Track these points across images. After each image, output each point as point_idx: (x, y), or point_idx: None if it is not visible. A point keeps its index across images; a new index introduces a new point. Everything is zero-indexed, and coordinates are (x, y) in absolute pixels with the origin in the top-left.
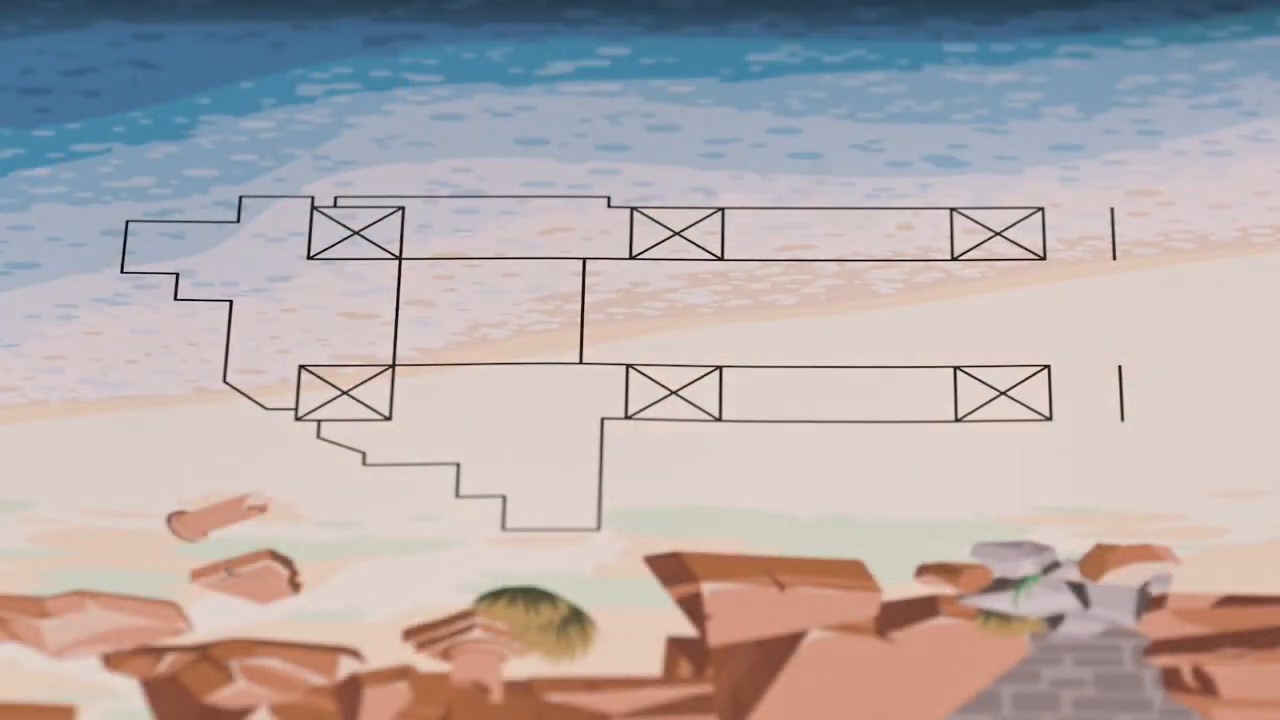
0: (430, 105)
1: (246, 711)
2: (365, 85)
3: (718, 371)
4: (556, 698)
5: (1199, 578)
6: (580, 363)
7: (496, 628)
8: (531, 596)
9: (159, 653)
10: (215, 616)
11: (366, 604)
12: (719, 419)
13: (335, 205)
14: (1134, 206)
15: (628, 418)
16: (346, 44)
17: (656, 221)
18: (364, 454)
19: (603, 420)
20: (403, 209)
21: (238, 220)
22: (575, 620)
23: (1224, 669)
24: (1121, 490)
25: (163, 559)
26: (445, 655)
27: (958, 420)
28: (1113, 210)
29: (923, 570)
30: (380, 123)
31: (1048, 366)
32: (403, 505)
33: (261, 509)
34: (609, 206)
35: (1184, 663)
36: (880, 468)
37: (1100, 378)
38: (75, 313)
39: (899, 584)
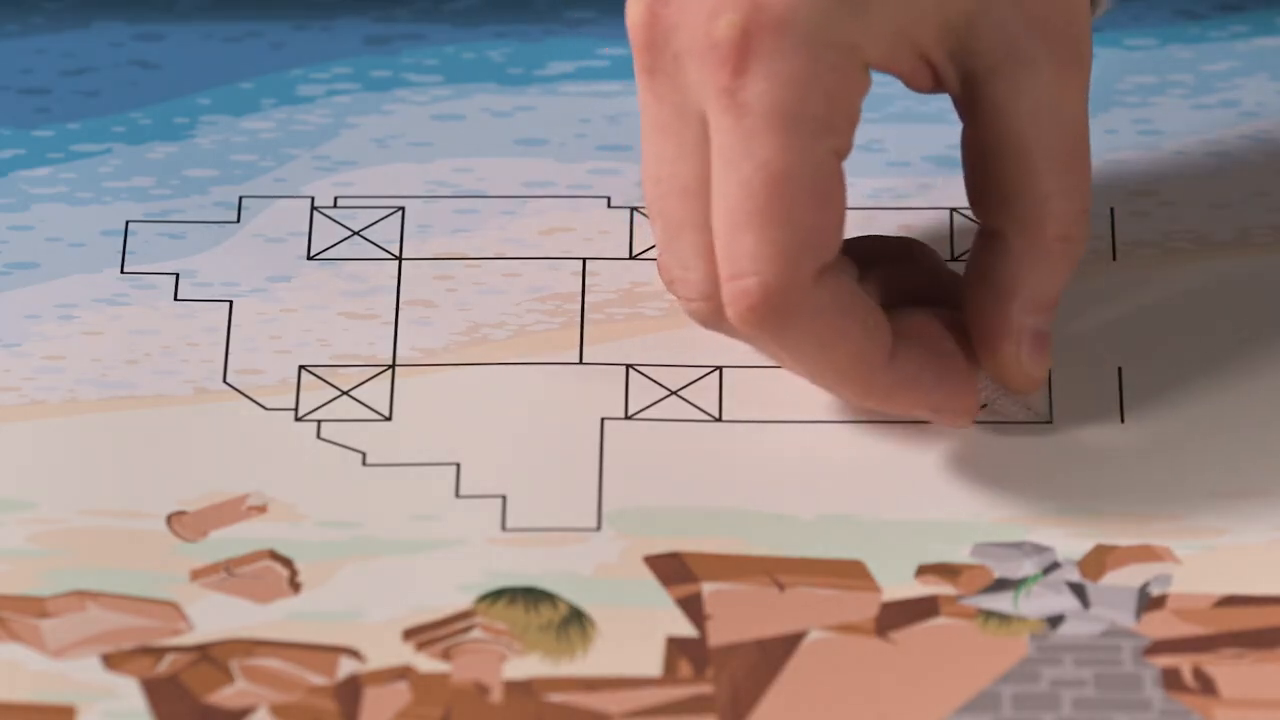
0: (430, 105)
1: (246, 711)
2: (365, 85)
3: (718, 371)
4: (556, 698)
5: (1199, 578)
6: (580, 363)
7: (496, 628)
8: (531, 596)
9: (159, 653)
10: (215, 616)
11: (366, 604)
12: (719, 419)
13: (335, 205)
14: (1134, 206)
15: (628, 418)
16: (346, 44)
17: None
18: (364, 454)
19: (603, 420)
20: (403, 209)
21: (238, 220)
22: (575, 620)
23: (1224, 669)
24: (1121, 490)
25: (163, 559)
26: (445, 655)
27: None
28: (1113, 210)
29: (923, 570)
30: (380, 123)
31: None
32: (403, 505)
33: (261, 509)
34: (609, 206)
35: (1184, 663)
36: (880, 468)
37: (1100, 378)
38: (75, 313)
39: (899, 584)
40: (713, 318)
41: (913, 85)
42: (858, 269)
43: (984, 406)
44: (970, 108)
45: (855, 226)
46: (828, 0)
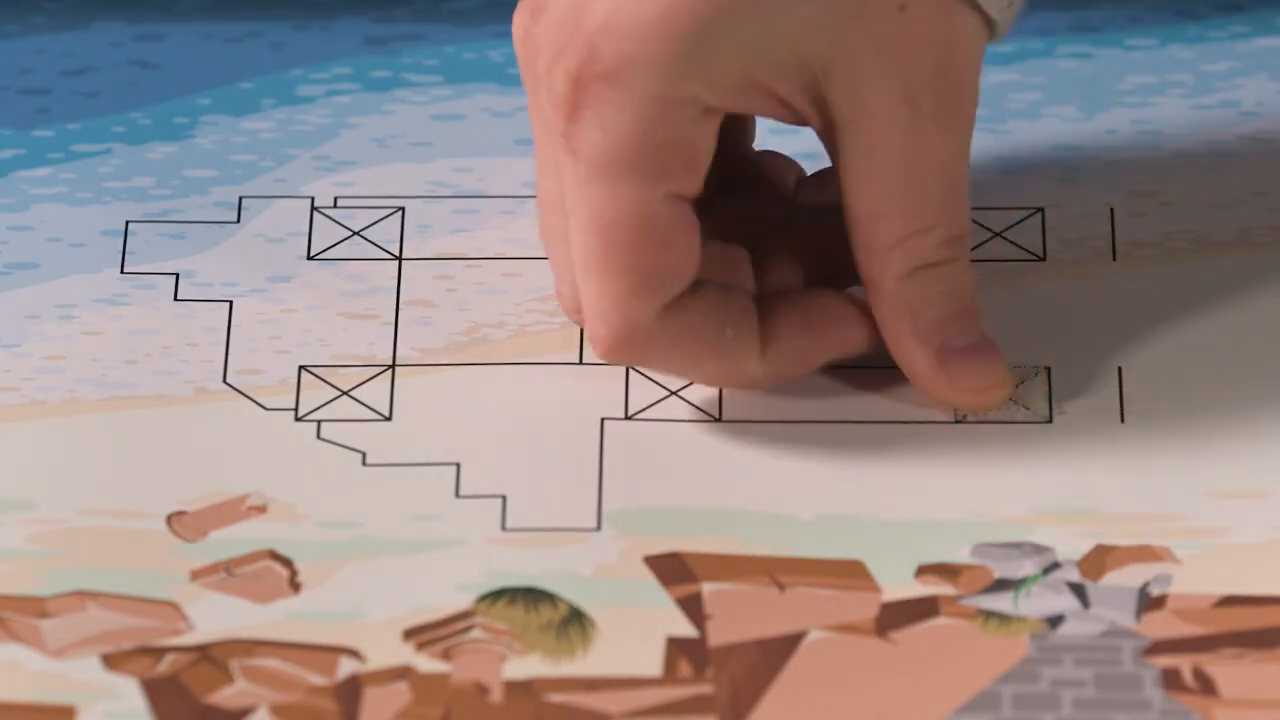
0: (430, 105)
1: (246, 711)
2: (365, 85)
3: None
4: (556, 698)
5: (1199, 578)
6: (580, 363)
7: (496, 628)
8: (531, 596)
9: (159, 653)
10: (215, 616)
11: (366, 604)
12: (719, 419)
13: (335, 205)
14: (1134, 206)
15: (628, 418)
16: (346, 44)
17: None
18: (364, 454)
19: (603, 420)
20: (403, 209)
21: (238, 220)
22: (575, 620)
23: (1224, 669)
24: (1121, 490)
25: (163, 559)
26: (445, 655)
27: (958, 420)
28: (1113, 210)
29: (923, 570)
30: (380, 123)
31: (1048, 367)
32: (403, 505)
33: (261, 509)
34: None
35: (1184, 663)
36: (880, 468)
37: (1100, 378)
38: (75, 313)
39: (899, 584)
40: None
41: (778, 119)
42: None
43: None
44: (829, 149)
45: None
46: (663, 53)
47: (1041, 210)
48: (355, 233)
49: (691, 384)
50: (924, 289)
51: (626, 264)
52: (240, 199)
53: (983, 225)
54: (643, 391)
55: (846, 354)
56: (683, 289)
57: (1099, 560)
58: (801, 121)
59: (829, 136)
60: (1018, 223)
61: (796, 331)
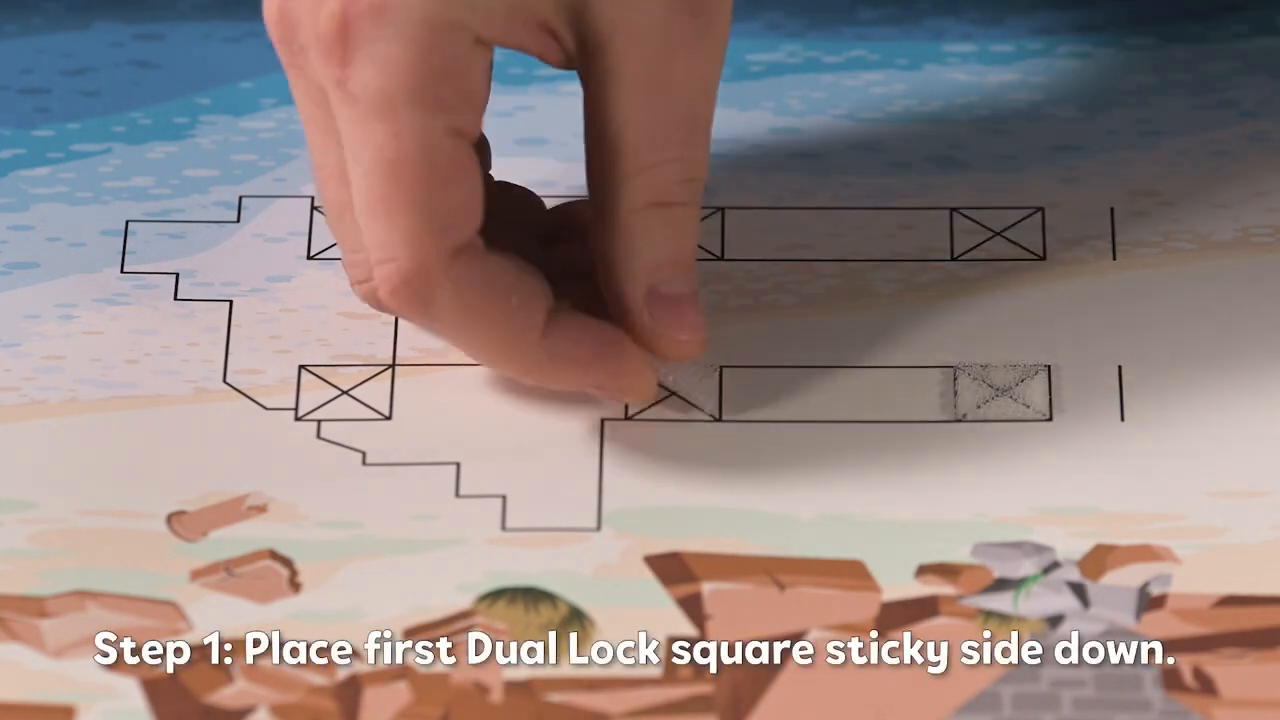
0: None
1: (246, 711)
2: None
3: (718, 371)
4: (556, 698)
5: (1199, 578)
6: None
7: (496, 628)
8: (531, 596)
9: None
10: (215, 616)
11: (366, 604)
12: (719, 419)
13: None
14: (1134, 206)
15: (628, 418)
16: None
17: None
18: (364, 454)
19: (603, 420)
20: None
21: (238, 220)
22: (575, 620)
23: (1224, 669)
24: (1121, 490)
25: (163, 559)
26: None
27: (958, 420)
28: (1113, 210)
29: (923, 570)
30: None
31: (1048, 366)
32: (403, 505)
33: (261, 509)
34: None
35: (1184, 663)
36: (880, 468)
37: (1100, 378)
38: (75, 313)
39: (899, 584)
40: (376, 299)
41: (545, 59)
42: (540, 244)
43: (661, 385)
44: (584, 79)
45: (855, 226)
46: None
47: (1041, 210)
48: None
49: (481, 363)
50: (651, 227)
51: (412, 200)
52: (240, 199)
53: (983, 225)
54: None
55: (618, 393)
56: (471, 233)
57: (1099, 560)
58: (568, 62)
59: (582, 60)
60: (1018, 223)
61: (584, 340)
